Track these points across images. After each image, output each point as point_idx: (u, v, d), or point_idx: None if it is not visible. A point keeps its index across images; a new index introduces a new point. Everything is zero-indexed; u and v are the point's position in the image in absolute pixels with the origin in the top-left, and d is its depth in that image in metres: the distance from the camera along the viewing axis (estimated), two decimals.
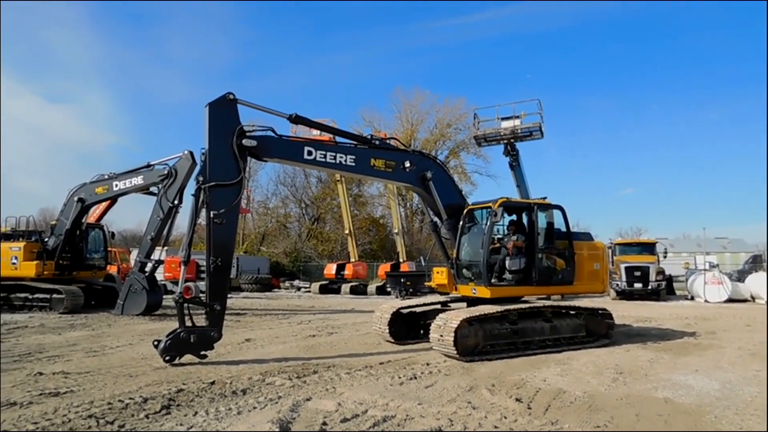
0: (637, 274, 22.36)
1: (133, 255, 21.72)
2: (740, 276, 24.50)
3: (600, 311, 9.57)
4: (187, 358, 7.24)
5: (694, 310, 17.37)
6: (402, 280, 24.67)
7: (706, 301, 21.44)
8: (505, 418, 4.83)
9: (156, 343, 7.18)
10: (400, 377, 6.57)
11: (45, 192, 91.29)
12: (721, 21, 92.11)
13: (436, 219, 9.75)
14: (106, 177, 15.03)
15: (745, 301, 21.78)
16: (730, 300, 21.28)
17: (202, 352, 7.33)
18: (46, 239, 15.97)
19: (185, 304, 7.21)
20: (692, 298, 23.10)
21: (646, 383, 6.41)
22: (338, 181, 31.52)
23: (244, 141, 7.61)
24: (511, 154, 20.57)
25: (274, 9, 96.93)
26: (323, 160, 8.37)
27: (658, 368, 7.34)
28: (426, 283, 11.65)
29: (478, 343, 7.92)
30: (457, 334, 7.58)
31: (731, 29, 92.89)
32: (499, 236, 9.67)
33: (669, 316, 14.96)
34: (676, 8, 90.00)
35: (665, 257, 24.66)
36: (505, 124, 20.02)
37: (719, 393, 5.94)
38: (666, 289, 23.46)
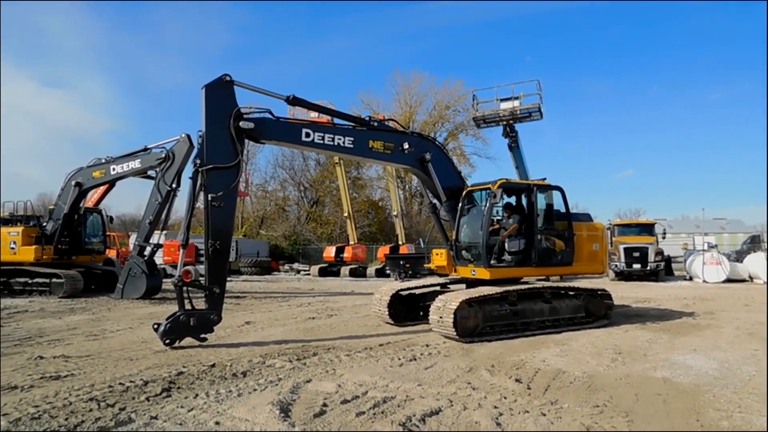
0: (636, 255, 22.42)
1: (132, 239, 21.74)
2: (738, 256, 24.55)
3: (599, 292, 9.59)
4: (187, 341, 7.26)
5: (692, 291, 17.44)
6: (401, 263, 24.69)
7: (704, 281, 21.53)
8: (505, 398, 4.85)
9: (156, 326, 7.19)
10: (399, 359, 6.59)
11: (42, 177, 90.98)
12: (722, 2, 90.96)
13: (435, 201, 9.71)
14: (104, 161, 14.96)
15: (743, 281, 21.87)
16: (729, 280, 21.37)
17: (202, 335, 7.36)
18: (45, 224, 15.96)
19: (184, 288, 7.19)
20: (691, 279, 23.21)
21: (645, 363, 6.44)
22: (337, 163, 31.40)
23: (241, 123, 7.54)
24: (510, 135, 20.45)
25: None
26: (321, 142, 8.31)
27: (657, 348, 7.38)
28: (425, 265, 11.68)
29: (478, 324, 7.94)
30: (457, 316, 7.59)
31: (732, 9, 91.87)
32: (499, 218, 9.65)
33: (667, 297, 15.03)
34: None
35: (664, 238, 24.71)
36: (504, 105, 19.87)
37: (717, 372, 5.96)
38: (665, 270, 23.48)
